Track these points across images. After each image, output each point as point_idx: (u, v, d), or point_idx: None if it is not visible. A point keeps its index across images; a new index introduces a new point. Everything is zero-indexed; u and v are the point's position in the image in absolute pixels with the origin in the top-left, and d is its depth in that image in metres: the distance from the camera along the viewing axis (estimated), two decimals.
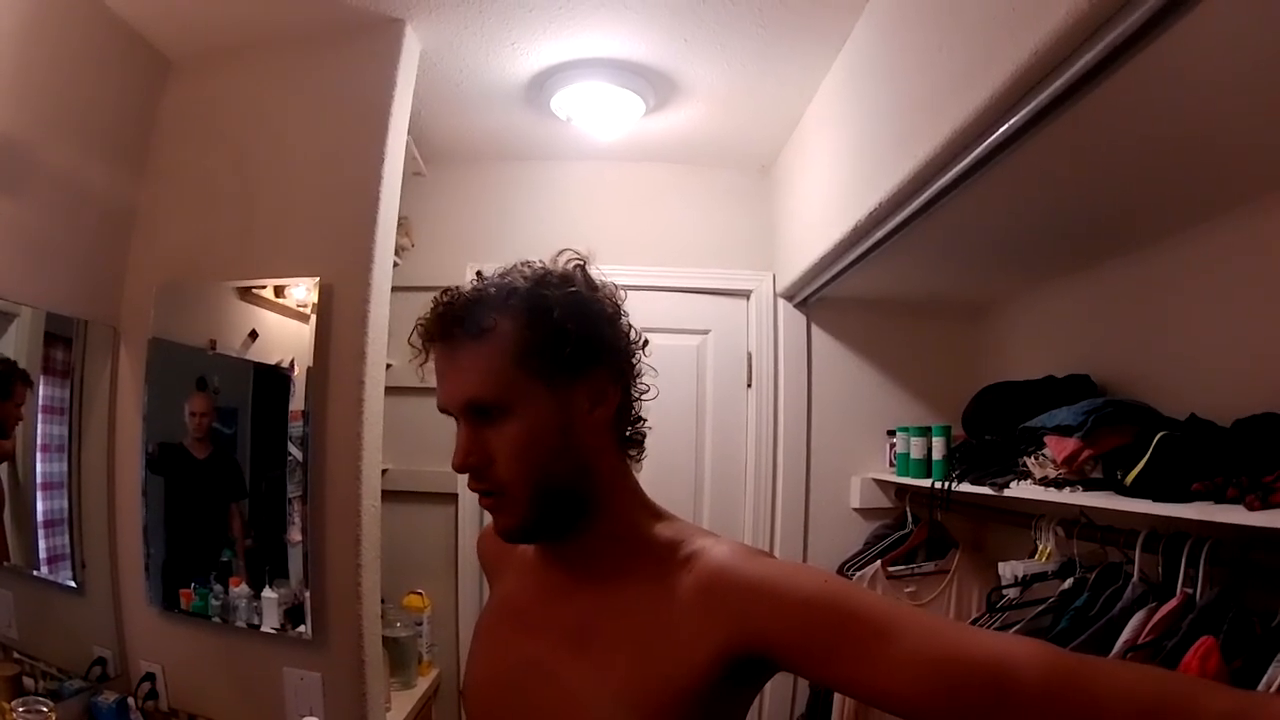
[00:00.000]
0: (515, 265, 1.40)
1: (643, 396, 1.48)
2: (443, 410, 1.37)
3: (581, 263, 1.43)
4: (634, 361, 1.44)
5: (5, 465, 2.64)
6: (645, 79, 3.45)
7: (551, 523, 1.37)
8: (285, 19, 3.05)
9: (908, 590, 3.53)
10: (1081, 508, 2.51)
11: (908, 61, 2.52)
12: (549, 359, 1.31)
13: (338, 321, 2.91)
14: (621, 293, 1.45)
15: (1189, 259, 2.62)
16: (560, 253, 1.43)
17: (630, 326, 1.45)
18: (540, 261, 1.41)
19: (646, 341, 1.47)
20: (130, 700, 2.83)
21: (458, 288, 1.37)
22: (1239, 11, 1.39)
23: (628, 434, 1.47)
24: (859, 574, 3.57)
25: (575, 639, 1.35)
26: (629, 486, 1.45)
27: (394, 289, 3.10)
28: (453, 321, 1.32)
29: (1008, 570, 2.84)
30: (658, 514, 1.45)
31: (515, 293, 1.33)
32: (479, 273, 1.41)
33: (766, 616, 1.20)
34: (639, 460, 1.49)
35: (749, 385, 4.29)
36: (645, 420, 1.49)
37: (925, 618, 1.17)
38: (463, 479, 1.42)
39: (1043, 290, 3.57)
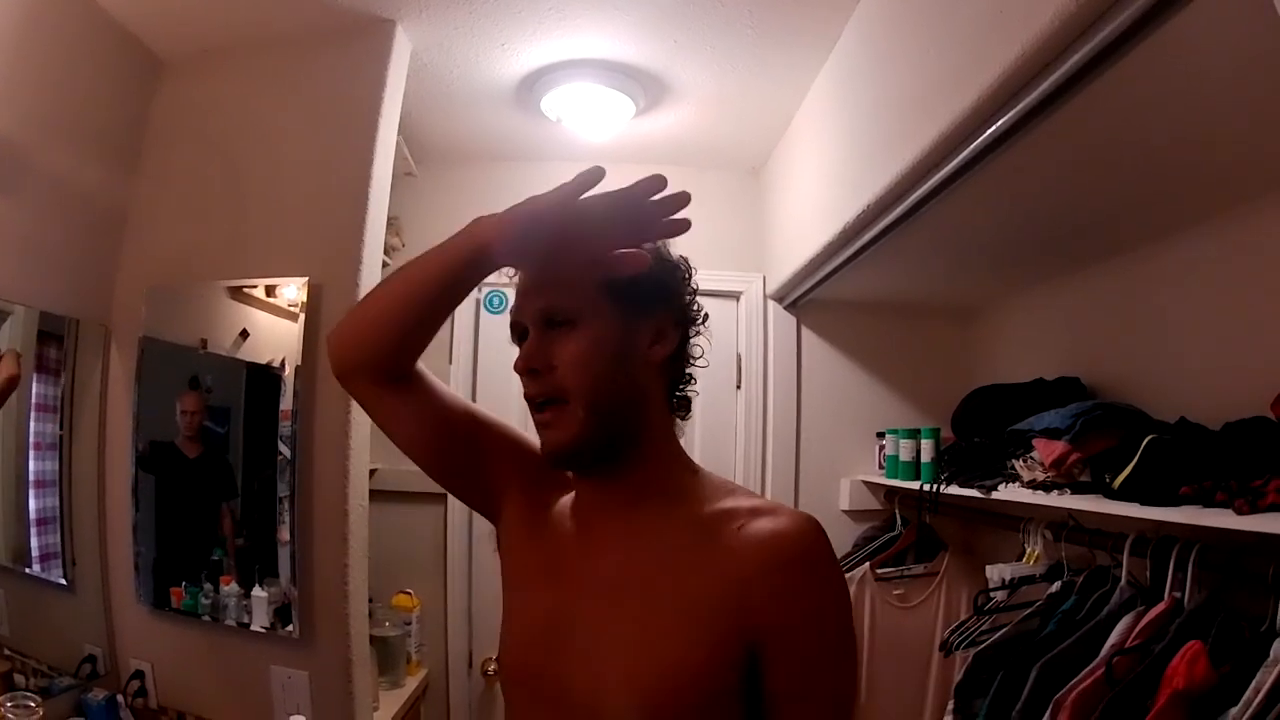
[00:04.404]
0: None
1: (695, 361, 1.55)
2: (515, 324, 1.45)
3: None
4: (694, 319, 1.53)
5: None
6: (635, 80, 3.46)
7: (600, 447, 1.40)
8: (276, 19, 3.04)
9: (896, 592, 3.53)
10: (1070, 511, 2.52)
11: (896, 63, 2.52)
12: (624, 285, 1.38)
13: (327, 321, 2.89)
14: (694, 268, 1.55)
15: (1180, 261, 2.62)
16: None
17: (696, 288, 1.55)
18: None
19: (707, 315, 1.56)
20: (119, 698, 2.83)
21: None
22: (1225, 15, 1.39)
23: (677, 393, 1.53)
24: (847, 576, 3.57)
25: (614, 589, 1.37)
26: (673, 438, 1.52)
27: None
28: None
29: (995, 573, 2.84)
30: (695, 466, 1.51)
31: None
32: None
33: (788, 629, 1.25)
34: (684, 418, 1.55)
35: (738, 387, 4.30)
36: (694, 381, 1.56)
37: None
38: None
39: (1033, 292, 3.58)
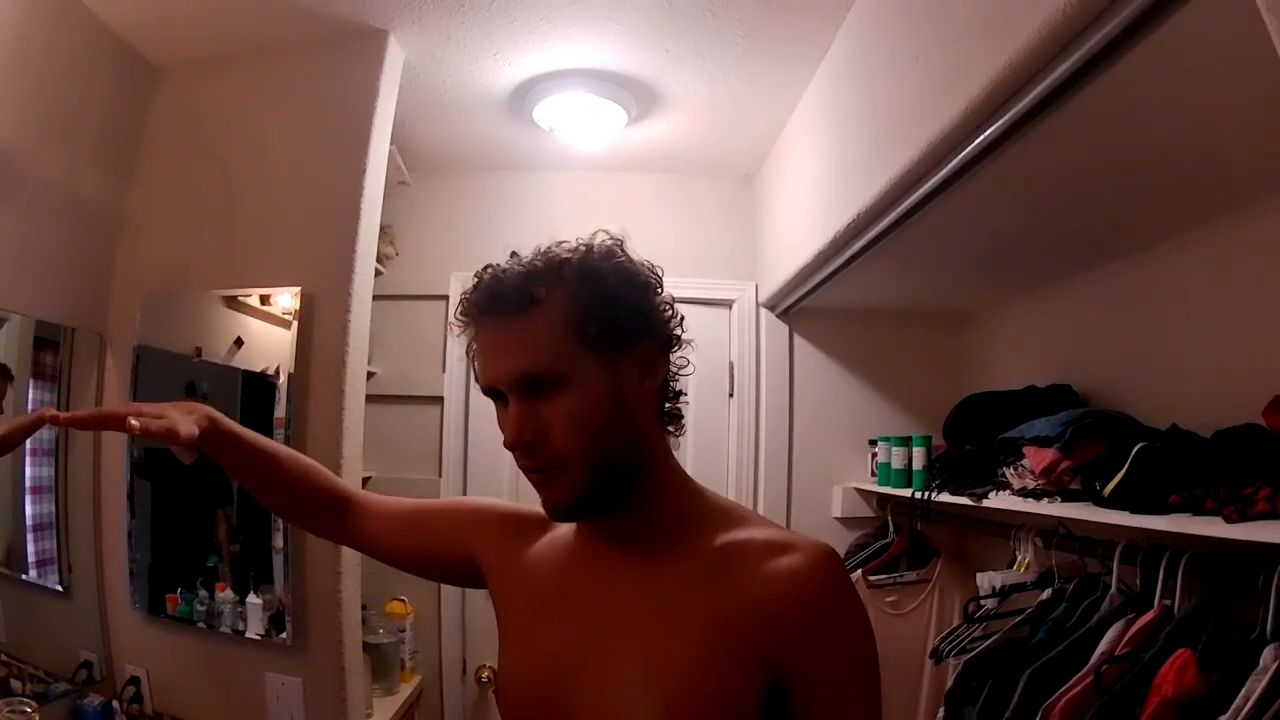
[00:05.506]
0: (551, 245, 1.38)
1: (681, 371, 1.46)
2: (489, 390, 1.35)
3: (619, 240, 1.41)
4: (676, 333, 1.43)
5: None
6: (627, 89, 3.47)
7: (604, 497, 1.34)
8: (271, 29, 3.05)
9: (889, 599, 3.54)
10: (1060, 519, 2.51)
11: (887, 71, 2.53)
12: (603, 327, 1.29)
13: (319, 330, 2.92)
14: (660, 268, 1.44)
15: (1172, 268, 2.63)
16: (595, 233, 1.41)
17: (671, 299, 1.44)
18: (576, 240, 1.39)
19: (683, 317, 1.45)
20: (115, 704, 2.83)
21: (499, 264, 1.37)
22: (1214, 21, 1.40)
23: (667, 408, 1.45)
24: None
25: (627, 619, 1.33)
26: (673, 462, 1.45)
27: (376, 298, 3.11)
28: (501, 296, 1.31)
29: (986, 581, 2.84)
30: (699, 490, 1.45)
31: (566, 263, 1.33)
32: (514, 253, 1.39)
33: (814, 662, 1.24)
34: (678, 434, 1.47)
35: (731, 395, 4.30)
36: (684, 394, 1.48)
37: None
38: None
39: (1025, 300, 3.58)
